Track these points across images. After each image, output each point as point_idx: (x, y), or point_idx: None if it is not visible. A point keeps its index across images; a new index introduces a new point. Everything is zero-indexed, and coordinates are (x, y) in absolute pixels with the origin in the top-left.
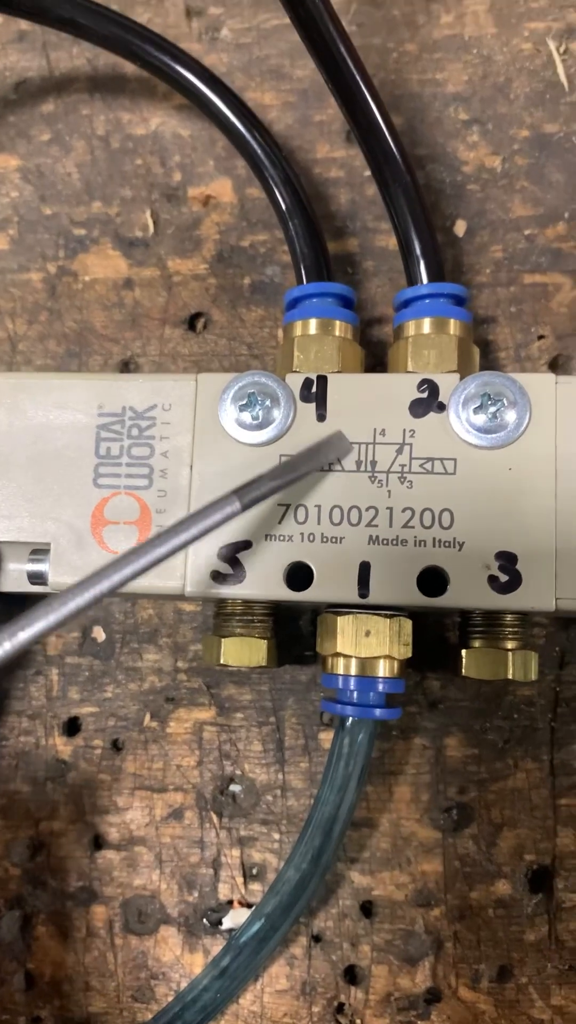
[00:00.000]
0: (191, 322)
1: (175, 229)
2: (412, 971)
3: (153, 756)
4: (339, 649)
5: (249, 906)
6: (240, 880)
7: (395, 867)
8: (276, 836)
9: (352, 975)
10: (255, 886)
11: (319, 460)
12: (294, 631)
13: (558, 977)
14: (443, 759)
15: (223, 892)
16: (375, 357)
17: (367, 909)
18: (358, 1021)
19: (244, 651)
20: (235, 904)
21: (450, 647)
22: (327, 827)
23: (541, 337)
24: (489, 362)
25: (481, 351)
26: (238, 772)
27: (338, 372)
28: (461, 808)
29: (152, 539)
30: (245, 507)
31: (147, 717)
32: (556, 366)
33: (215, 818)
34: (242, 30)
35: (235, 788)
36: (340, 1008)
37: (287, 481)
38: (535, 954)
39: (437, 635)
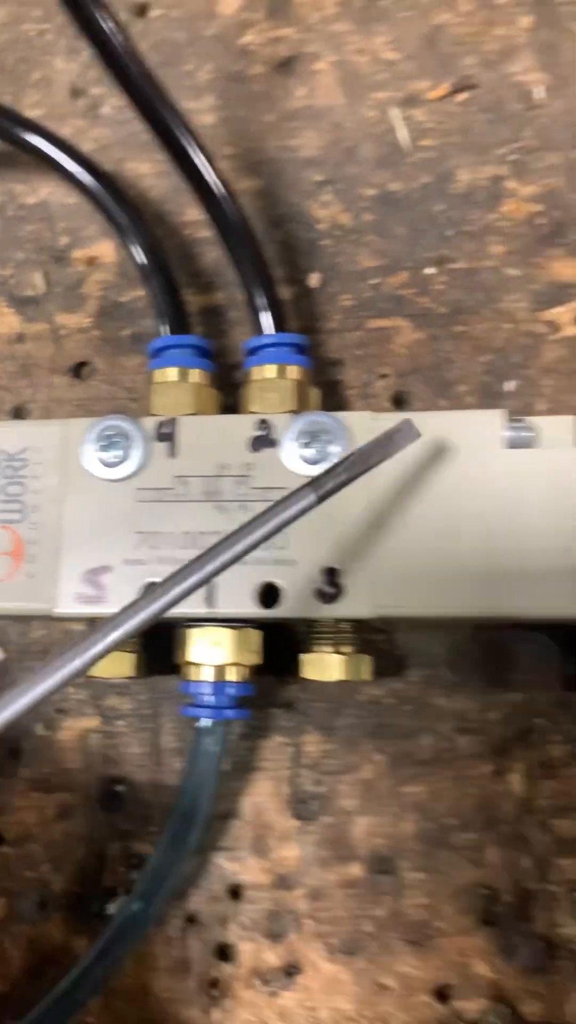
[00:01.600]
0: (77, 370)
1: (63, 288)
2: (276, 947)
3: (45, 762)
4: (192, 659)
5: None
6: (123, 871)
7: (259, 853)
8: (153, 829)
9: (223, 952)
10: (136, 874)
11: (389, 449)
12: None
13: (403, 948)
14: (300, 754)
15: (108, 881)
16: (235, 397)
17: (235, 892)
18: (229, 994)
19: (113, 664)
20: (119, 891)
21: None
22: (188, 817)
23: (384, 376)
24: (338, 400)
25: (331, 390)
26: (121, 774)
27: (192, 414)
28: (317, 799)
29: (229, 535)
30: (321, 499)
31: (40, 726)
32: (399, 401)
33: (101, 815)
34: (120, 107)
35: (119, 788)
36: (214, 983)
37: (359, 472)
38: (383, 928)
39: (296, 644)
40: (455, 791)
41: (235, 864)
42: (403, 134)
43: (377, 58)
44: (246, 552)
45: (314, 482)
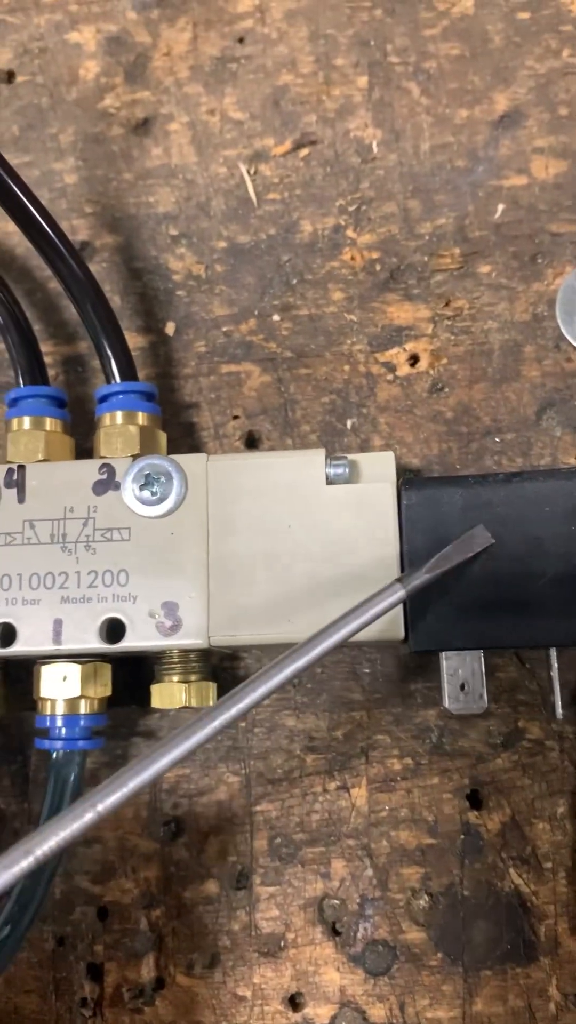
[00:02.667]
0: None
1: None
2: (139, 964)
3: None
4: (44, 694)
5: None
6: None
7: (122, 875)
8: None
9: (92, 971)
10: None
11: (466, 550)
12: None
13: (257, 959)
14: (159, 780)
15: None
16: None
17: (102, 913)
18: (98, 1012)
19: None
20: None
21: None
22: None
23: (236, 417)
24: (194, 441)
25: (187, 431)
26: None
27: (44, 461)
28: (175, 821)
29: (324, 629)
30: (409, 594)
31: None
32: (251, 441)
33: None
34: None
35: None
36: (83, 1002)
37: (442, 571)
38: (239, 941)
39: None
40: (303, 807)
41: (100, 886)
42: (251, 189)
43: (226, 117)
44: (339, 644)
45: (402, 578)
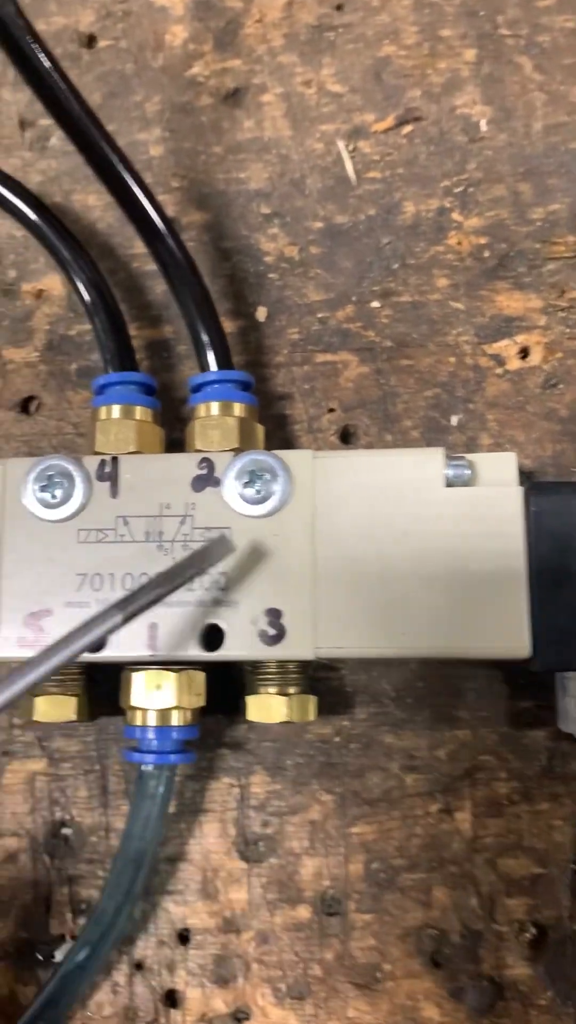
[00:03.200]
0: (24, 405)
1: (10, 321)
2: (224, 992)
3: None
4: (134, 703)
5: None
6: (69, 916)
7: (207, 897)
8: (101, 873)
9: (171, 999)
10: (83, 920)
11: (201, 564)
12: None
13: (351, 991)
14: (248, 796)
15: (55, 927)
16: (183, 432)
17: (183, 936)
18: None
19: (54, 708)
20: (66, 937)
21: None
22: (136, 861)
23: (331, 410)
24: (286, 434)
25: (279, 424)
26: (68, 817)
27: (136, 452)
28: (265, 839)
29: (32, 659)
30: (127, 619)
31: None
32: (346, 435)
33: (47, 860)
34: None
35: (66, 831)
36: None
37: (169, 589)
38: (331, 971)
39: (240, 683)
40: (402, 831)
41: (183, 908)
42: (349, 166)
43: (324, 90)
44: (49, 673)
45: (121, 603)
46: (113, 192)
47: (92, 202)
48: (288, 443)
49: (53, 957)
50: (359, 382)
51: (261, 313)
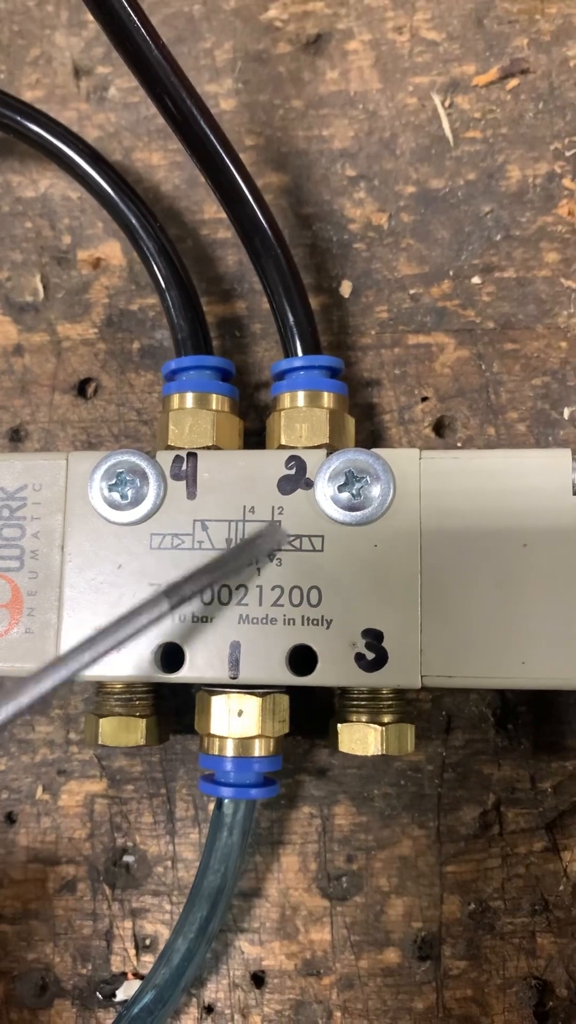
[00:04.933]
0: (81, 388)
1: (65, 293)
2: None
3: (45, 829)
4: (213, 730)
5: (141, 977)
6: (132, 952)
7: (284, 936)
8: (167, 907)
9: None
10: (147, 957)
11: (252, 553)
12: (187, 699)
13: None
14: (331, 827)
15: (116, 964)
16: (262, 422)
17: (258, 979)
18: None
19: (121, 731)
20: (128, 976)
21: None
22: (212, 897)
23: (424, 399)
24: (374, 425)
25: (365, 414)
26: (130, 844)
27: (213, 446)
28: (349, 876)
29: (77, 646)
30: (174, 607)
31: (39, 790)
32: (439, 427)
33: (108, 890)
34: (129, 89)
35: (127, 859)
36: None
37: (218, 577)
38: (423, 1023)
39: (326, 703)
40: (503, 870)
41: (257, 948)
42: (446, 124)
43: (418, 37)
44: (91, 663)
45: (168, 590)
46: (190, 148)
47: (156, 161)
48: (376, 437)
49: (114, 996)
50: (457, 368)
51: (345, 288)
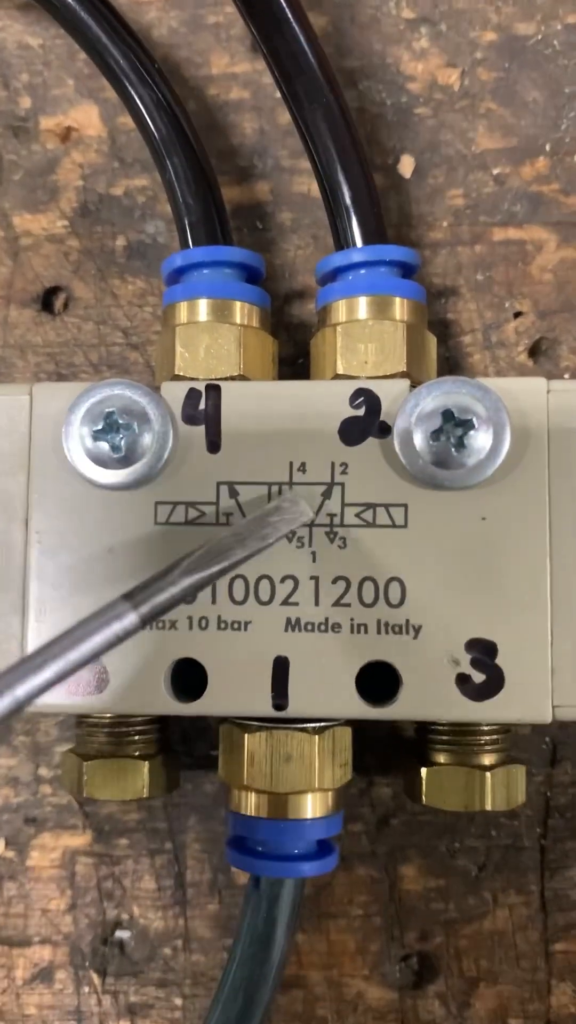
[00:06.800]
0: (46, 300)
1: (23, 174)
2: None
3: (11, 898)
4: (248, 781)
5: None
6: None
7: None
8: (178, 1002)
9: None
10: None
11: (263, 536)
12: (196, 722)
13: None
14: (398, 894)
15: None
16: (297, 347)
17: None
18: None
19: (116, 779)
20: None
21: (406, 741)
22: (247, 991)
23: (518, 315)
24: (448, 351)
25: (437, 335)
26: (125, 917)
27: (238, 377)
28: (423, 958)
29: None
30: (146, 621)
31: (0, 844)
32: (537, 352)
33: (96, 979)
34: None
35: (122, 936)
36: None
37: (207, 576)
38: None
39: (388, 725)
40: None
41: None
42: None
43: None
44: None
45: (133, 593)
46: None
47: None
48: (452, 365)
49: None
50: (561, 273)
51: (406, 166)
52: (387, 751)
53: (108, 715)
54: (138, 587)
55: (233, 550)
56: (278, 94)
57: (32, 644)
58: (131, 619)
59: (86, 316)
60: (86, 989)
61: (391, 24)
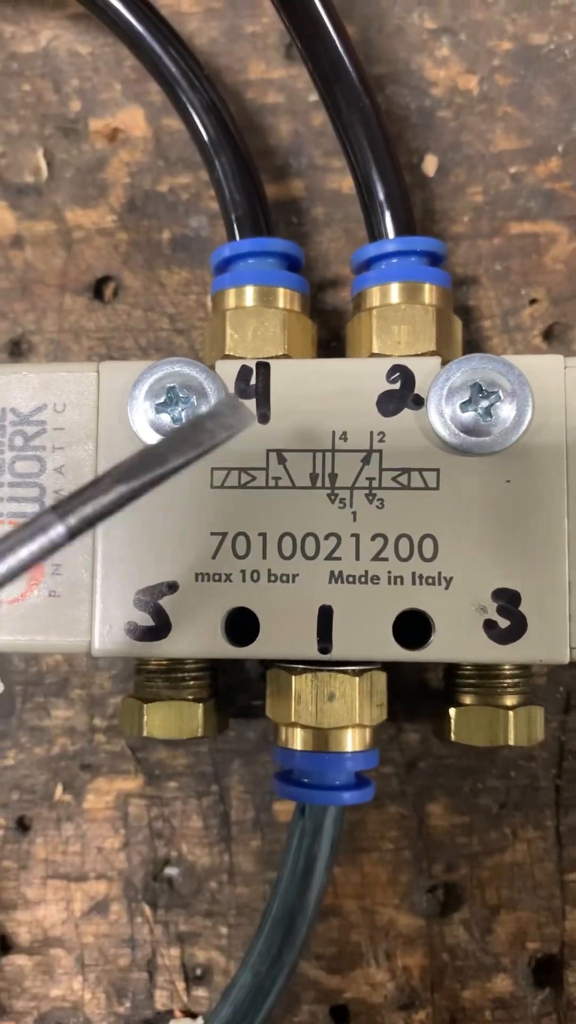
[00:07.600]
0: (97, 289)
1: (74, 172)
2: None
3: (68, 837)
4: (295, 718)
5: (193, 1016)
6: (181, 985)
7: (370, 963)
8: (223, 930)
9: None
10: (200, 991)
11: (198, 443)
12: (239, 675)
13: None
14: (425, 830)
15: (161, 1000)
16: (329, 331)
17: (339, 1015)
18: None
19: (173, 719)
20: (176, 1014)
21: (431, 691)
22: (289, 920)
23: (533, 301)
24: (469, 334)
25: (460, 319)
26: (174, 854)
27: (283, 356)
28: (449, 888)
29: None
30: (74, 532)
31: (59, 789)
32: (551, 336)
33: (148, 910)
34: None
35: (171, 872)
36: None
37: (138, 484)
38: None
39: (416, 676)
40: None
41: (337, 978)
42: None
43: None
44: None
45: (62, 505)
46: None
47: (187, 7)
48: (472, 348)
49: None
50: (573, 263)
51: (429, 165)
52: (415, 700)
53: (165, 661)
54: (65, 498)
55: (166, 457)
56: (311, 98)
57: (102, 597)
58: (58, 531)
59: (135, 304)
60: (139, 920)
61: (415, 34)
